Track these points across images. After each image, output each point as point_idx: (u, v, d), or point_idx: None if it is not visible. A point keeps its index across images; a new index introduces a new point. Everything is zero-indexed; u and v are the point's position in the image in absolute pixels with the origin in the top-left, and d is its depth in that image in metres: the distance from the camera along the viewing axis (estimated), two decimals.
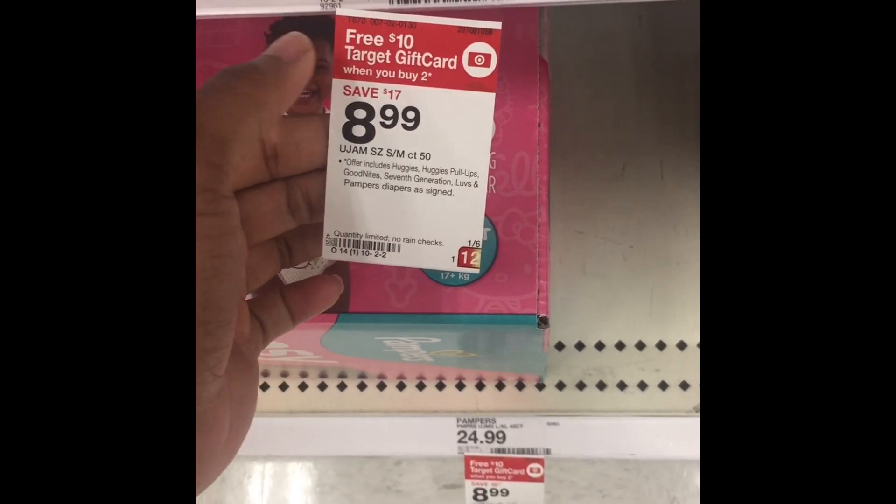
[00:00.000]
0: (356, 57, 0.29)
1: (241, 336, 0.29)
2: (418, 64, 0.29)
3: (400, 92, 0.30)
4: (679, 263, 0.56)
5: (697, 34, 0.58)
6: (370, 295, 0.37)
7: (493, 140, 0.38)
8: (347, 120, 0.30)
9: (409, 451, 0.58)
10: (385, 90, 0.30)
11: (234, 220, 0.25)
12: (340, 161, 0.30)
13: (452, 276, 0.37)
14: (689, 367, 0.55)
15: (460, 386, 0.57)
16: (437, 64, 0.29)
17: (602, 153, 0.58)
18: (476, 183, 0.30)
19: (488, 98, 0.30)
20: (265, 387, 0.59)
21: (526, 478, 0.57)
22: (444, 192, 0.30)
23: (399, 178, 0.30)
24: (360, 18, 0.29)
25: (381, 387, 0.58)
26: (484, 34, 0.29)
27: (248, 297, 0.31)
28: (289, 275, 0.37)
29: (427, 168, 0.30)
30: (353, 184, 0.30)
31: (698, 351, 0.55)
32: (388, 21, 0.29)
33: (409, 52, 0.29)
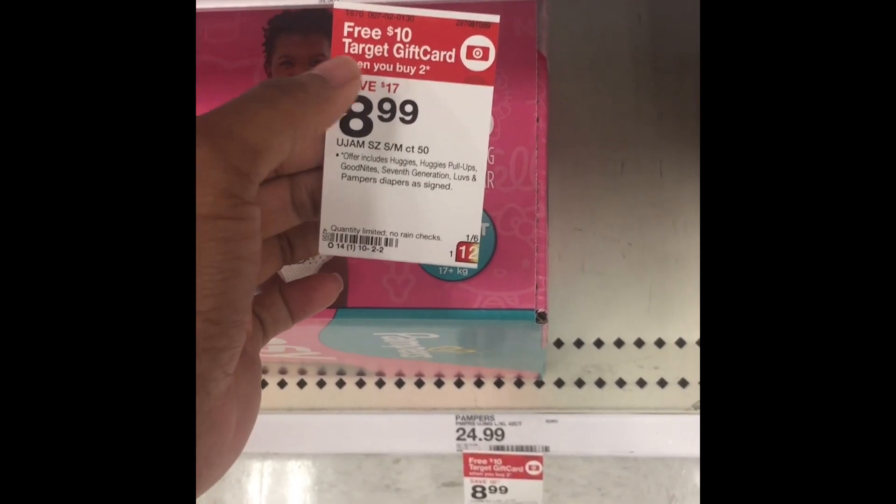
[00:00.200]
0: (354, 50, 0.29)
1: (246, 335, 0.29)
2: (416, 57, 0.29)
3: (398, 85, 0.30)
4: (678, 261, 0.56)
5: (696, 32, 0.58)
6: (368, 290, 0.37)
7: (492, 135, 0.38)
8: (344, 113, 0.30)
9: (408, 448, 0.58)
10: (383, 83, 0.30)
11: (254, 225, 0.25)
12: (338, 155, 0.30)
13: (451, 271, 0.37)
14: (688, 364, 0.55)
15: (459, 383, 0.57)
16: (435, 57, 0.29)
17: (601, 150, 0.58)
18: (474, 177, 0.30)
19: (486, 91, 0.30)
20: (263, 384, 0.59)
21: (525, 475, 0.57)
22: (442, 187, 0.30)
23: (397, 172, 0.30)
24: (357, 11, 0.29)
25: (380, 384, 0.57)
26: (482, 27, 0.29)
27: None
28: (288, 271, 0.37)
29: (425, 162, 0.30)
30: (350, 178, 0.30)
31: (697, 348, 0.55)
32: (386, 14, 0.29)
33: (407, 46, 0.29)
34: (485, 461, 0.57)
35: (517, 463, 0.57)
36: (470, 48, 0.29)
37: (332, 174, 0.30)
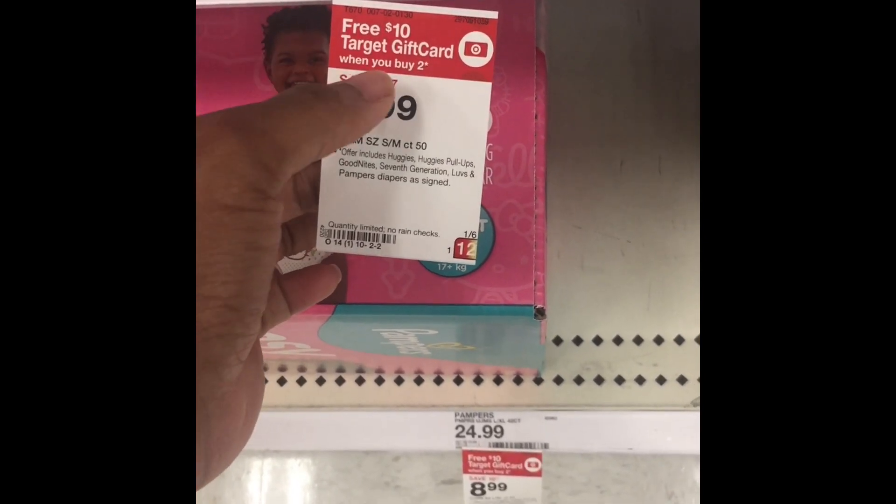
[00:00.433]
0: (352, 46, 0.29)
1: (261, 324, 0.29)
2: (414, 53, 0.29)
3: (396, 81, 0.30)
4: (677, 258, 0.56)
5: (695, 29, 0.58)
6: (367, 286, 0.37)
7: (491, 132, 0.38)
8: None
9: (407, 445, 0.58)
10: None
11: (276, 219, 0.25)
12: (335, 151, 0.30)
13: (449, 267, 0.37)
14: (687, 361, 0.56)
15: (458, 380, 0.57)
16: (433, 53, 0.29)
17: (600, 148, 0.58)
18: (472, 173, 0.30)
19: (485, 87, 0.30)
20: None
21: (524, 472, 0.57)
22: (440, 183, 0.30)
23: (395, 168, 0.30)
24: (356, 7, 0.29)
25: (379, 381, 0.58)
26: (480, 23, 0.29)
27: None
28: (285, 266, 0.37)
29: (423, 158, 0.30)
30: (348, 174, 0.30)
31: (696, 345, 0.56)
32: (385, 10, 0.29)
33: (406, 42, 0.29)
34: (484, 458, 0.57)
35: (516, 460, 0.57)
36: (468, 44, 0.29)
37: (329, 170, 0.30)
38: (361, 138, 0.30)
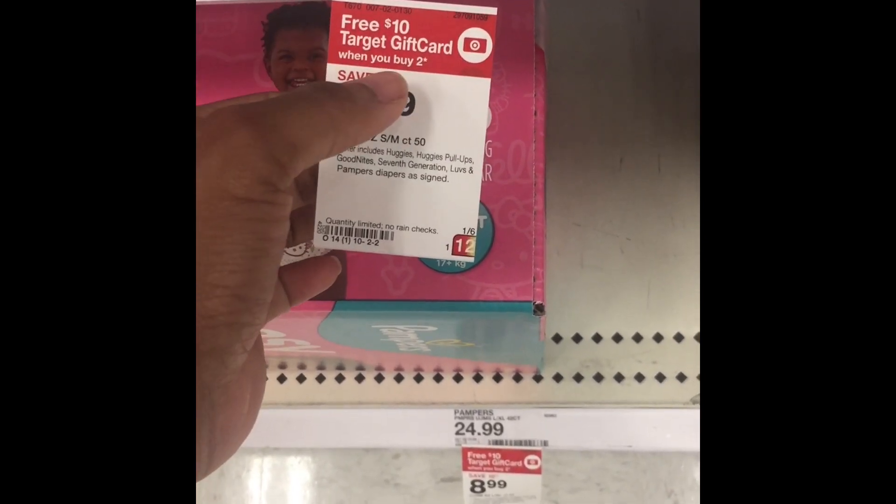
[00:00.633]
0: (351, 42, 0.30)
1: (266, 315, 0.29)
2: (413, 49, 0.29)
3: None
4: (676, 256, 0.56)
5: (695, 28, 0.59)
6: (367, 282, 0.38)
7: (490, 128, 0.38)
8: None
9: (407, 443, 0.58)
10: None
11: (285, 211, 0.26)
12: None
13: (449, 263, 0.37)
14: (687, 358, 0.56)
15: (458, 378, 0.57)
16: (432, 49, 0.29)
17: (600, 146, 0.58)
18: (471, 169, 0.30)
19: (484, 83, 0.30)
20: None
21: (523, 469, 0.57)
22: (438, 179, 0.30)
23: (393, 163, 0.30)
24: (355, 4, 0.29)
25: (379, 379, 0.58)
26: (479, 20, 0.29)
27: None
28: (283, 260, 0.37)
29: (421, 154, 0.30)
30: (346, 170, 0.30)
31: (695, 343, 0.56)
32: (384, 6, 0.29)
33: (405, 38, 0.29)
34: (483, 455, 0.57)
35: (516, 457, 0.57)
36: (467, 40, 0.29)
37: (327, 166, 0.30)
38: None
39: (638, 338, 0.56)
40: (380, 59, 0.30)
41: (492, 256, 0.37)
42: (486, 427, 0.57)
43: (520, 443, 0.57)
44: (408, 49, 0.29)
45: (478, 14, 0.29)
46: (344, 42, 0.29)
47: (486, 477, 0.58)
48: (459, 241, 0.31)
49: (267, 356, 0.57)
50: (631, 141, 0.58)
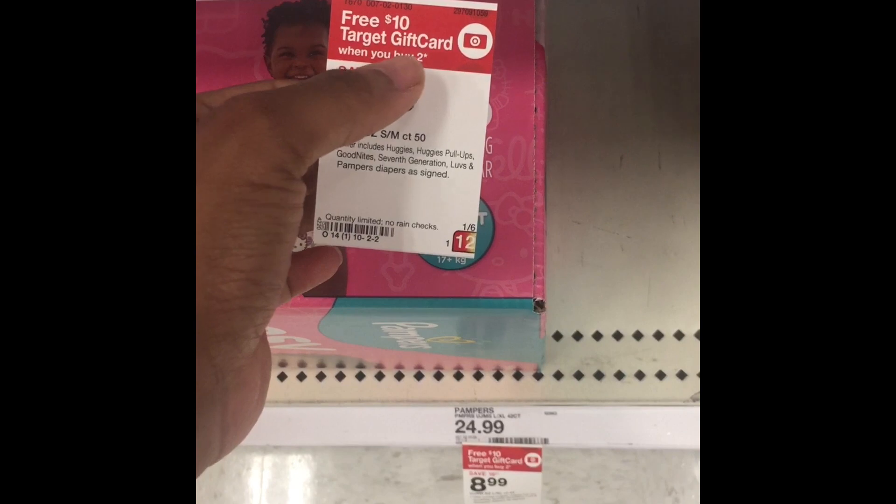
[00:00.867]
0: (351, 38, 0.29)
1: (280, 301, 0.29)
2: (414, 45, 0.29)
3: None
4: (676, 253, 0.56)
5: (695, 24, 0.58)
6: (367, 279, 0.38)
7: (490, 125, 0.38)
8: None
9: (407, 440, 0.58)
10: None
11: (299, 199, 0.26)
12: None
13: (449, 260, 0.37)
14: (687, 356, 0.56)
15: (458, 376, 0.57)
16: (432, 45, 0.29)
17: (600, 143, 0.58)
18: (471, 165, 0.30)
19: (484, 79, 0.30)
20: None
21: (524, 467, 0.57)
22: (438, 175, 0.30)
23: (393, 159, 0.30)
24: (355, 0, 0.29)
25: (380, 376, 0.58)
26: (480, 15, 0.29)
27: None
28: None
29: (422, 150, 0.30)
30: (345, 165, 0.30)
31: (695, 340, 0.56)
32: (384, 2, 0.29)
33: (405, 34, 0.29)
34: (484, 453, 0.57)
35: (516, 455, 0.57)
36: (467, 36, 0.29)
37: (327, 162, 0.30)
38: None
39: (638, 335, 0.56)
40: (380, 54, 0.30)
41: (492, 253, 0.37)
42: (487, 425, 0.57)
43: (520, 440, 0.57)
44: (408, 45, 0.29)
45: (478, 10, 0.29)
46: (344, 38, 0.29)
47: (487, 475, 0.58)
48: (460, 238, 0.31)
49: None
50: (631, 138, 0.58)
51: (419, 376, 0.57)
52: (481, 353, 0.51)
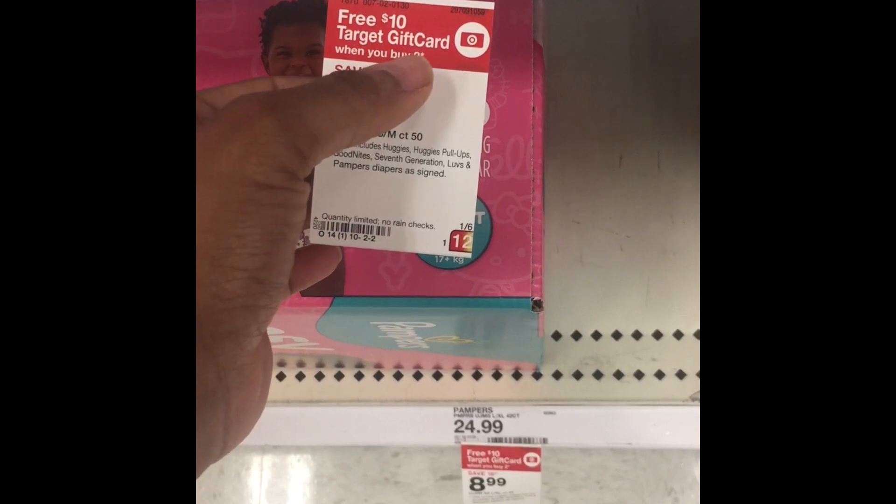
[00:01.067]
0: (348, 37, 0.29)
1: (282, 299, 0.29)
2: (411, 44, 0.29)
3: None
4: (675, 253, 0.56)
5: (695, 23, 0.58)
6: (365, 278, 0.37)
7: (488, 124, 0.38)
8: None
9: (407, 440, 0.58)
10: None
11: (303, 199, 0.26)
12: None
13: (447, 259, 0.37)
14: (686, 356, 0.55)
15: (457, 375, 0.57)
16: (429, 44, 0.29)
17: (599, 143, 0.58)
18: (469, 164, 0.30)
19: (481, 78, 0.30)
20: None
21: (523, 467, 0.57)
22: (435, 174, 0.30)
23: (390, 158, 0.30)
24: None
25: (378, 376, 0.58)
26: (477, 14, 0.29)
27: None
28: None
29: (419, 149, 0.30)
30: (342, 165, 0.30)
31: (694, 340, 0.56)
32: (381, 1, 0.29)
33: (402, 33, 0.29)
34: (483, 453, 0.57)
35: (515, 455, 0.57)
36: (464, 35, 0.29)
37: (324, 161, 0.30)
38: None
39: (637, 335, 0.56)
40: (377, 53, 0.29)
41: (490, 252, 0.37)
42: (486, 424, 0.57)
43: (519, 440, 0.57)
44: (405, 44, 0.29)
45: (475, 9, 0.29)
46: (341, 37, 0.29)
47: (486, 474, 0.58)
48: (457, 237, 0.31)
49: None
50: (630, 137, 0.58)
51: (418, 376, 0.57)
52: (480, 353, 0.51)
